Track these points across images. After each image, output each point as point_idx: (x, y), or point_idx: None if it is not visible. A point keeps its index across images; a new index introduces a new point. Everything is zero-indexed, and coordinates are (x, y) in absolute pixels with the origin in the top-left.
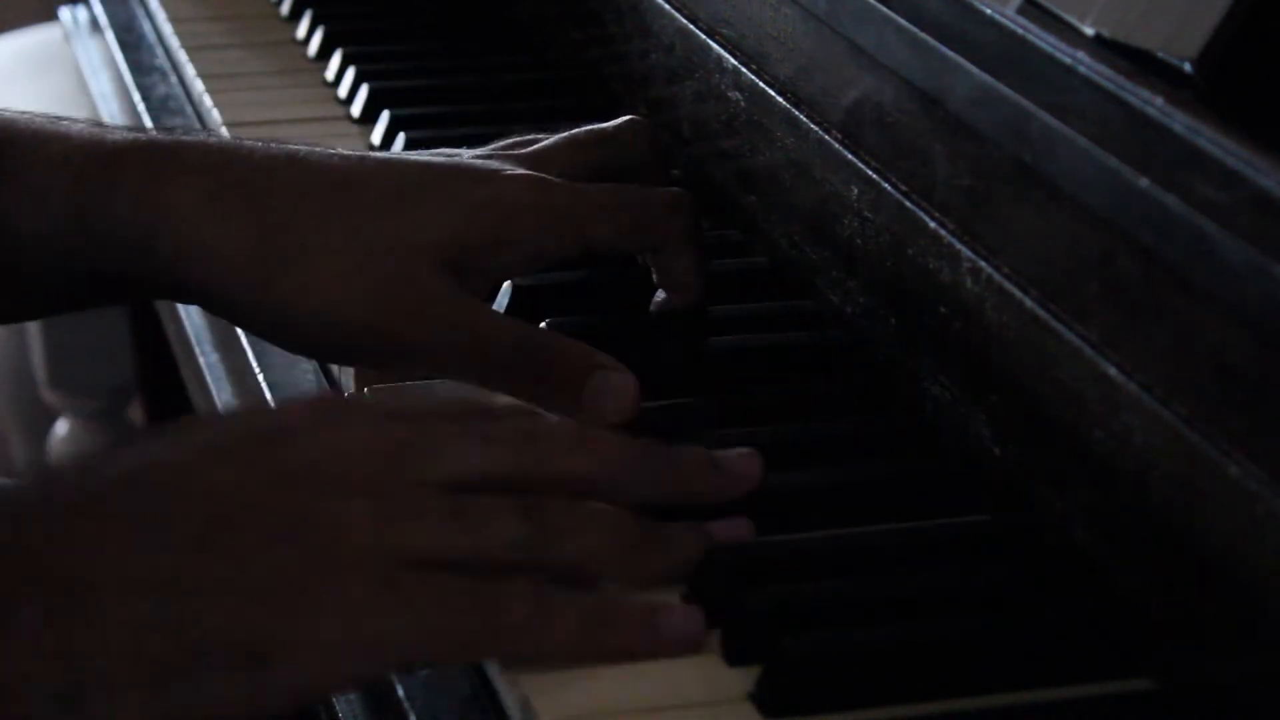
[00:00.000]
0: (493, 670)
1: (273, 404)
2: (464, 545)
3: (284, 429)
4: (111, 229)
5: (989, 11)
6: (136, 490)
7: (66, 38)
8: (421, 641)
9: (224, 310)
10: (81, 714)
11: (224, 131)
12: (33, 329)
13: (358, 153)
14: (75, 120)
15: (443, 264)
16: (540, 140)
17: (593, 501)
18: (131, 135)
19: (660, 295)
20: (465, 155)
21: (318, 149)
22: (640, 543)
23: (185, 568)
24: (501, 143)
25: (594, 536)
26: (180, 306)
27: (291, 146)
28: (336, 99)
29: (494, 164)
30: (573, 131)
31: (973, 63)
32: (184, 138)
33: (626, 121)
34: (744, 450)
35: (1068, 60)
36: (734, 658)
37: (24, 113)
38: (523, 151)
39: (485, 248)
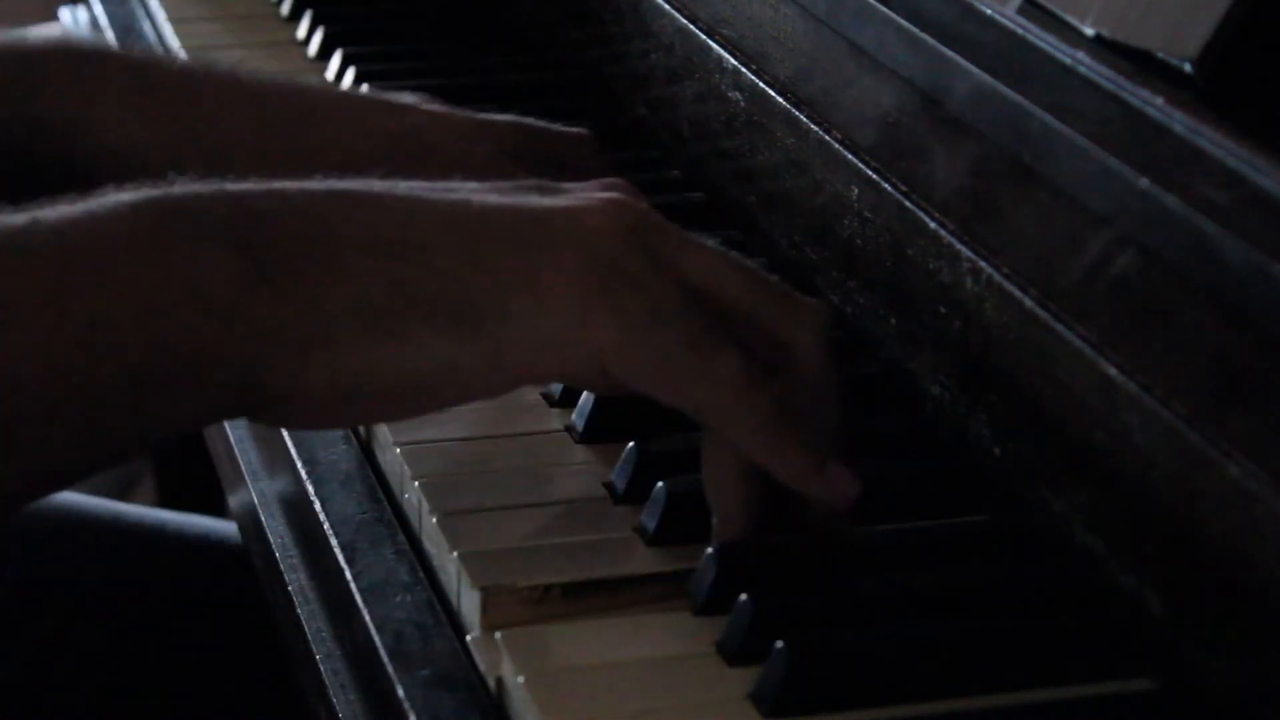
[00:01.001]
0: (489, 665)
1: None
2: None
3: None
4: (37, 126)
5: (989, 11)
6: (389, 188)
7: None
8: (629, 356)
9: None
10: (310, 360)
11: None
12: None
13: (274, 76)
14: None
15: None
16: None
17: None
18: (55, 40)
19: None
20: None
21: (236, 67)
22: (806, 426)
23: (423, 238)
24: None
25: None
26: None
27: (210, 63)
28: None
29: (413, 99)
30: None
31: (973, 63)
32: (107, 46)
33: (575, 134)
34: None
35: (1068, 60)
36: (734, 658)
37: None
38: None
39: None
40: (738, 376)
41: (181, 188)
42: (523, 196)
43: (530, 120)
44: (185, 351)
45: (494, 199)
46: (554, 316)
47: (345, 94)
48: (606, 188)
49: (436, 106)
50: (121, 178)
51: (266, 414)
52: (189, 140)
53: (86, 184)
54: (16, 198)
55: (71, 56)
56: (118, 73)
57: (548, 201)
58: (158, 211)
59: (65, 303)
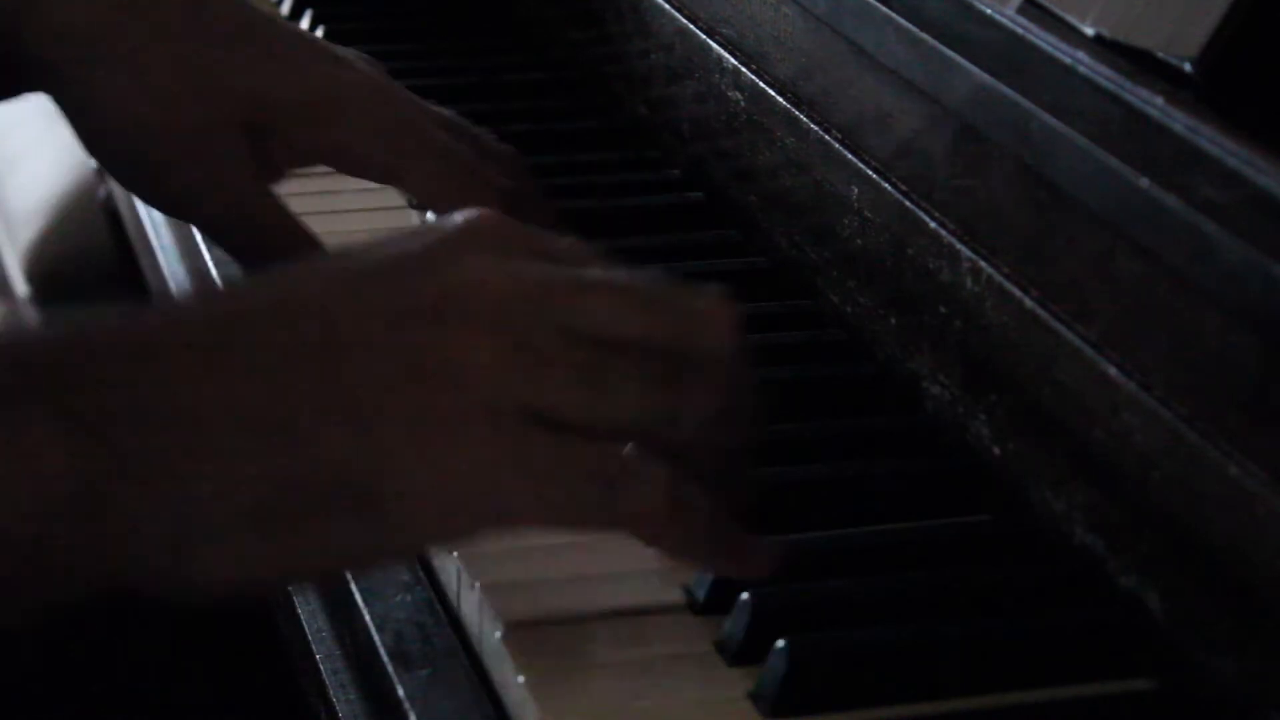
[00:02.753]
0: (496, 671)
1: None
2: (591, 408)
3: (421, 258)
4: None
5: (989, 11)
6: (254, 325)
7: None
8: (540, 507)
9: (66, 103)
10: (189, 557)
11: None
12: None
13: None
14: None
15: (251, 125)
16: None
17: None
18: None
19: None
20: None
21: None
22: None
23: (297, 408)
24: None
25: (722, 435)
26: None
27: None
28: None
29: (354, 55)
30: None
31: (973, 63)
32: None
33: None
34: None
35: (1068, 60)
36: (734, 658)
37: None
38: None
39: (302, 119)
40: (659, 509)
41: (21, 338)
42: (399, 316)
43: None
44: (22, 550)
45: (366, 331)
46: (455, 483)
47: (289, 26)
48: (480, 234)
49: (372, 69)
50: (53, 57)
51: (148, 594)
52: (107, 38)
53: (37, 72)
54: None
55: None
56: None
57: (420, 343)
58: None
59: None
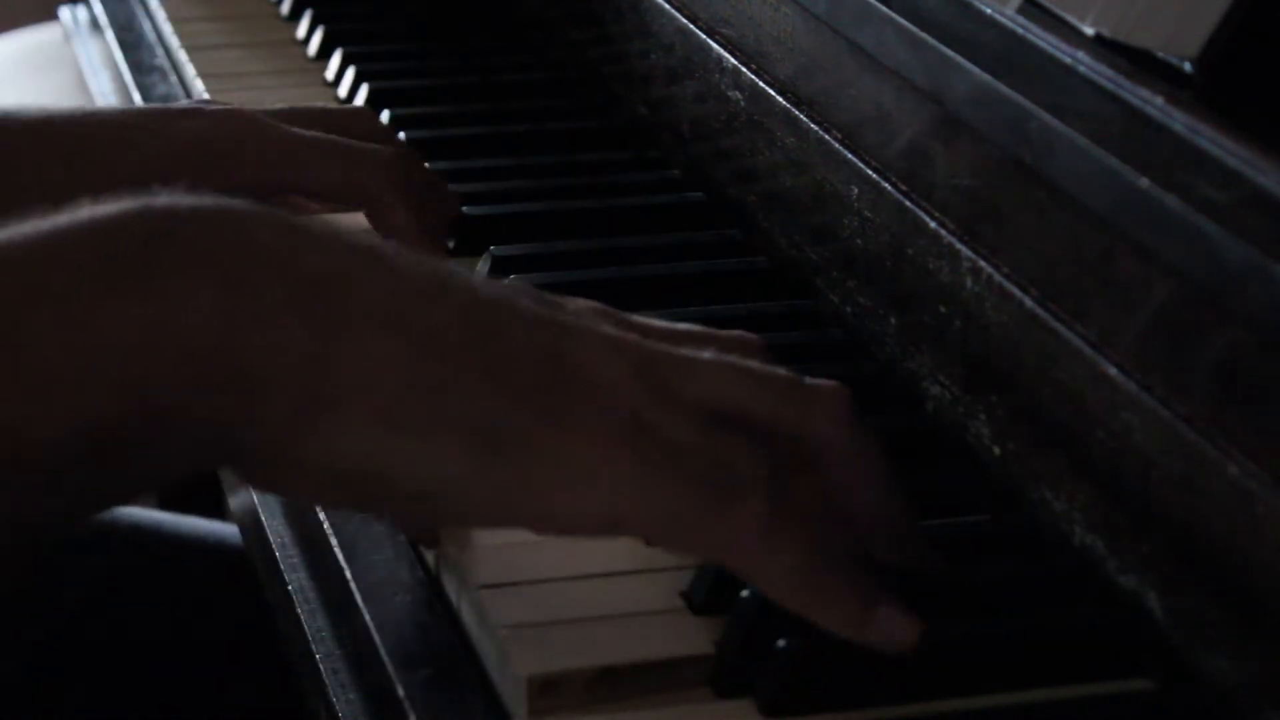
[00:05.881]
0: (498, 675)
1: None
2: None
3: (568, 311)
4: None
5: (989, 11)
6: (423, 263)
7: (66, 37)
8: (639, 509)
9: None
10: (317, 424)
11: None
12: None
13: (79, 107)
14: None
15: None
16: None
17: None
18: None
19: None
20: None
21: (47, 108)
22: (849, 568)
23: (447, 341)
24: None
25: (826, 535)
26: None
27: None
28: (336, 99)
29: (199, 104)
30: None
31: (973, 63)
32: None
33: (351, 108)
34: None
35: (1068, 60)
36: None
37: None
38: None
39: (196, 171)
40: (756, 530)
41: (167, 201)
42: (532, 335)
43: (305, 105)
44: (159, 404)
45: (517, 327)
46: (571, 466)
47: (136, 109)
48: (597, 314)
49: (223, 106)
50: None
51: (247, 476)
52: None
53: None
54: None
55: None
56: None
57: (569, 348)
58: (141, 234)
59: (15, 348)
